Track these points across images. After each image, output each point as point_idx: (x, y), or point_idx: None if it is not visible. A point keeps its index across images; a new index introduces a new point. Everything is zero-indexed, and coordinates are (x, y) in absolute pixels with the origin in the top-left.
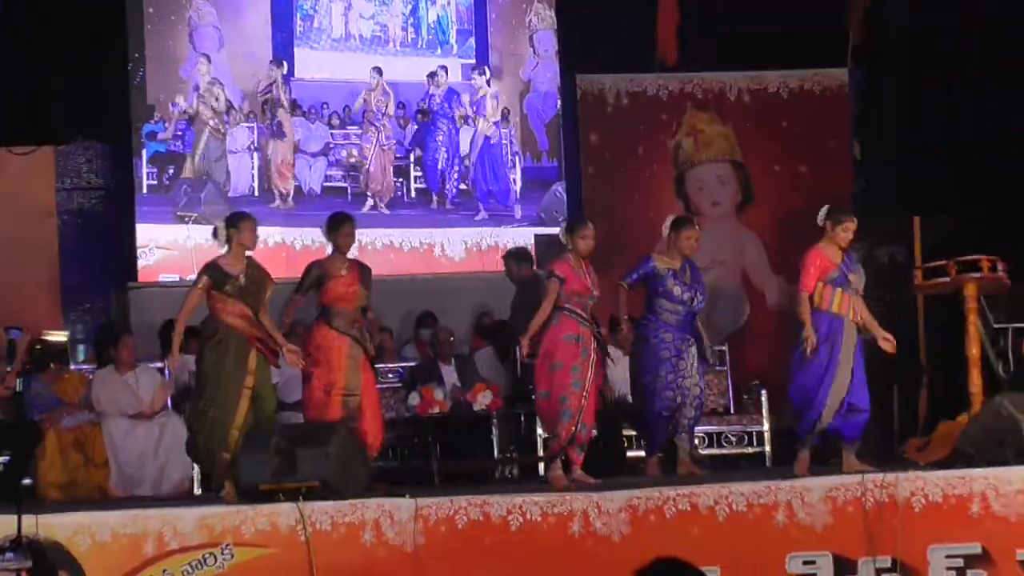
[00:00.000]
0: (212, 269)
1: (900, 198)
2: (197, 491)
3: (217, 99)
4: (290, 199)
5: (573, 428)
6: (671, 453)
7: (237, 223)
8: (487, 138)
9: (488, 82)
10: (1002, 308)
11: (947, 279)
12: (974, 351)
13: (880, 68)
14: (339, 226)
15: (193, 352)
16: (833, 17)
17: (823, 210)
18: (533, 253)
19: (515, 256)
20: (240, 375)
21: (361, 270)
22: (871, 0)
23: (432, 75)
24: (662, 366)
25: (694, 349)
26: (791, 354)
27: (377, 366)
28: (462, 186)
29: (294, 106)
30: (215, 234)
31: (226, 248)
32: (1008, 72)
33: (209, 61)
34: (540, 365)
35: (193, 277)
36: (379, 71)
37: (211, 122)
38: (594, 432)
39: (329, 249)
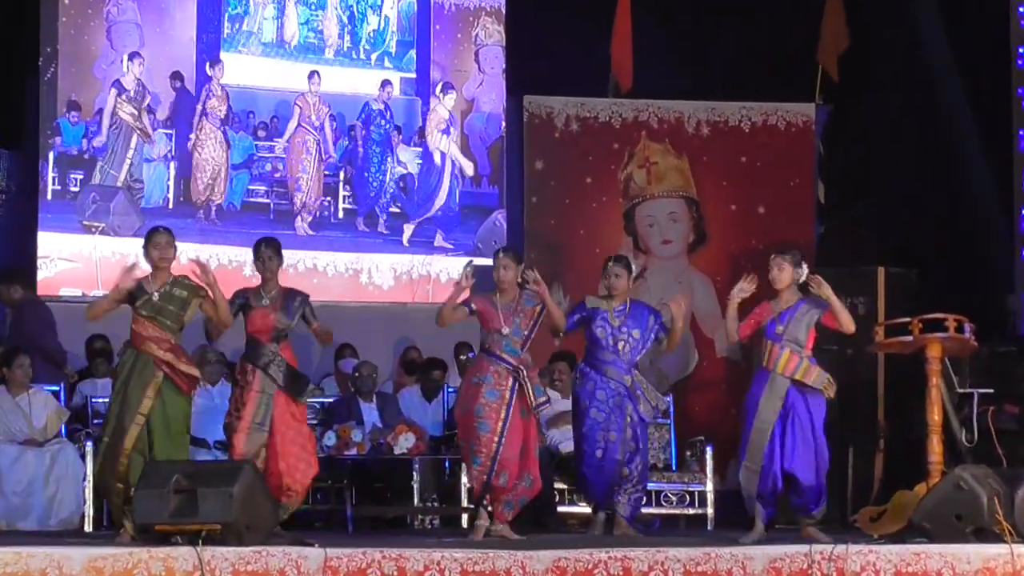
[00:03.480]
0: (135, 285)
1: (865, 247)
2: (88, 528)
3: (138, 103)
4: (212, 214)
5: (486, 476)
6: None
7: (144, 238)
8: (426, 158)
9: (438, 97)
10: (968, 372)
11: (910, 338)
12: (935, 417)
13: (851, 106)
14: (255, 251)
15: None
16: (802, 48)
17: None
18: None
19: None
20: (137, 399)
21: (287, 299)
22: (847, 38)
23: (382, 86)
24: (585, 419)
25: (628, 402)
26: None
27: None
28: (393, 208)
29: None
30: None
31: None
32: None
33: (133, 62)
34: (456, 411)
35: (98, 293)
36: (318, 75)
37: (128, 127)
38: (525, 487)
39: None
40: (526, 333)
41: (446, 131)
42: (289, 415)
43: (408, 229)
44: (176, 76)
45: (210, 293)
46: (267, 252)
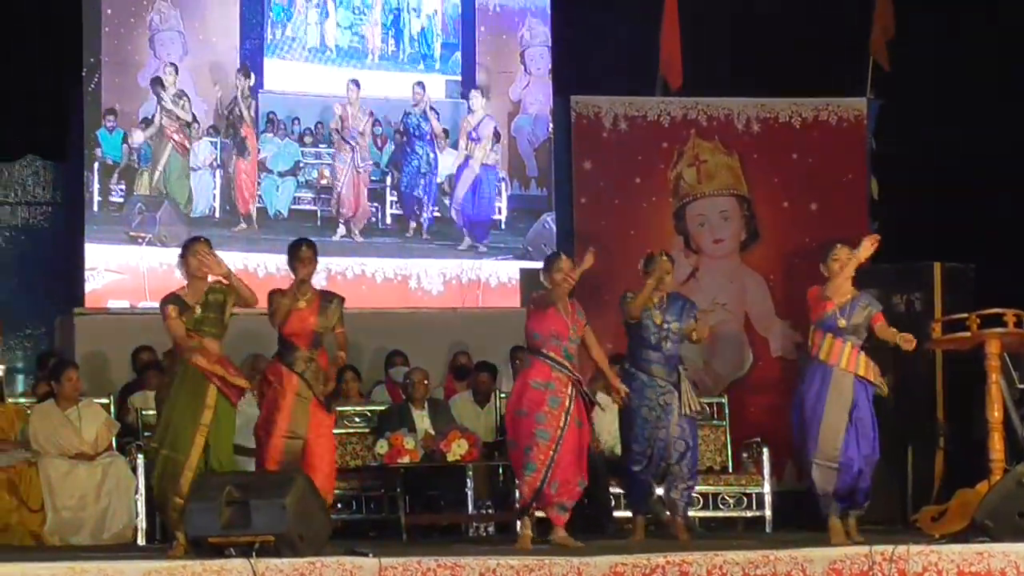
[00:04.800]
0: (174, 299)
1: (920, 242)
2: (141, 542)
3: (182, 111)
4: (254, 222)
5: (539, 484)
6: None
7: (182, 250)
8: (471, 161)
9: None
10: None
11: (968, 334)
12: (996, 413)
13: (903, 99)
14: (293, 251)
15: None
16: (853, 42)
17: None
18: (518, 289)
19: None
20: (196, 411)
21: (324, 302)
22: (894, 28)
23: (413, 89)
24: (635, 418)
25: (675, 399)
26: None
27: (341, 408)
28: (437, 213)
29: (267, 121)
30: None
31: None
32: None
33: (176, 70)
34: (508, 412)
35: (147, 304)
36: (357, 84)
37: (173, 136)
38: (579, 490)
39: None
40: (579, 340)
41: (478, 138)
42: (324, 424)
43: (457, 233)
44: (219, 84)
45: (229, 282)
46: (308, 252)
